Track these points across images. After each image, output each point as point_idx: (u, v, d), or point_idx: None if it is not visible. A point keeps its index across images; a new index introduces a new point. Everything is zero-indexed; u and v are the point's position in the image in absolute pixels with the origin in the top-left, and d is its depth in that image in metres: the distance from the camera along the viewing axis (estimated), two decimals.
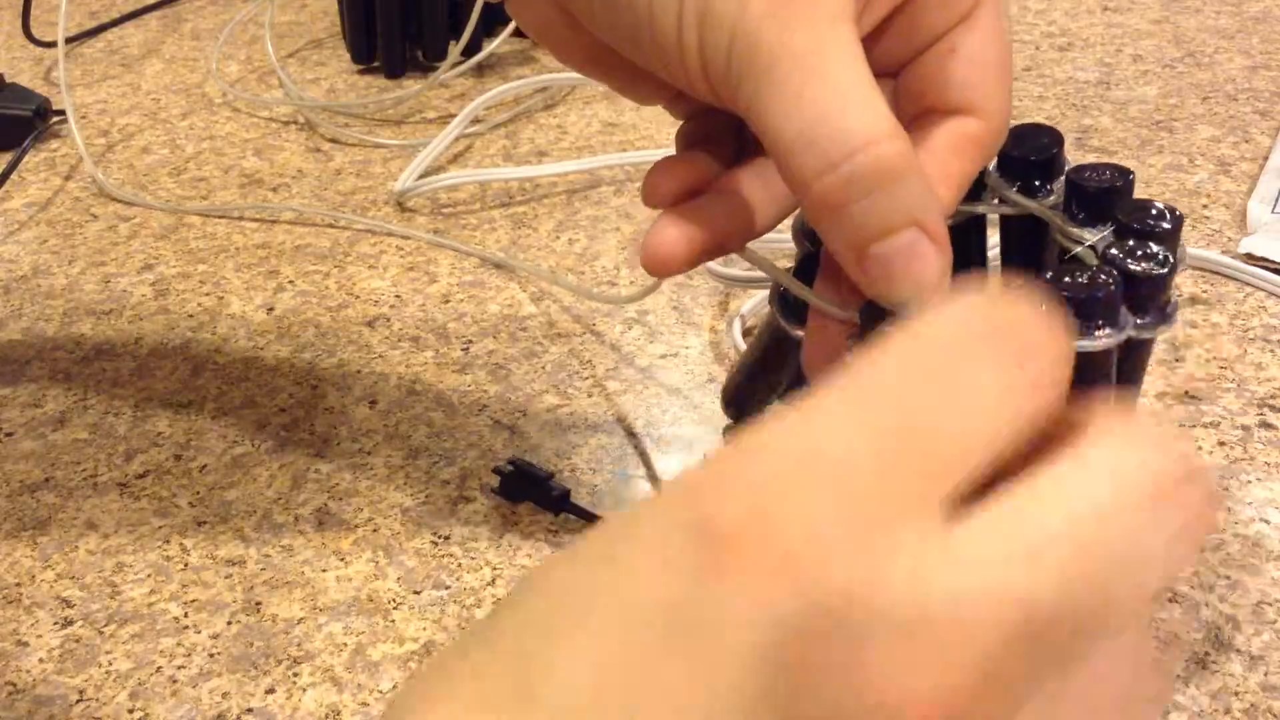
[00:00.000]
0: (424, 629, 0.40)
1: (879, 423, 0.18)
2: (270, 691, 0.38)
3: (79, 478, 0.47)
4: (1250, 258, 0.56)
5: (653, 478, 0.46)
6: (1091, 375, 0.30)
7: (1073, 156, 0.36)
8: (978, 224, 0.36)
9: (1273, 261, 0.56)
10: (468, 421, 0.49)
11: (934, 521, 0.17)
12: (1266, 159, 0.64)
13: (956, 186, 0.29)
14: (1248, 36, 0.79)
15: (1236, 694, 0.37)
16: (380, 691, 0.38)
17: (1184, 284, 0.55)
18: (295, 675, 0.39)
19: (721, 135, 0.31)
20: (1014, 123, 0.33)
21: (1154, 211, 0.32)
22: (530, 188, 0.66)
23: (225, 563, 0.43)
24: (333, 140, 0.72)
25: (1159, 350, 0.50)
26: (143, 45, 0.86)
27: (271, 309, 0.57)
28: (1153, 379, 0.49)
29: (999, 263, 0.37)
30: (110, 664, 0.39)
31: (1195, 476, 0.18)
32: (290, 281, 0.59)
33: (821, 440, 0.18)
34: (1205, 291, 0.55)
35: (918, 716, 0.16)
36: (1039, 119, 0.69)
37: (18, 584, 0.43)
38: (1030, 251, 0.35)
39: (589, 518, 0.44)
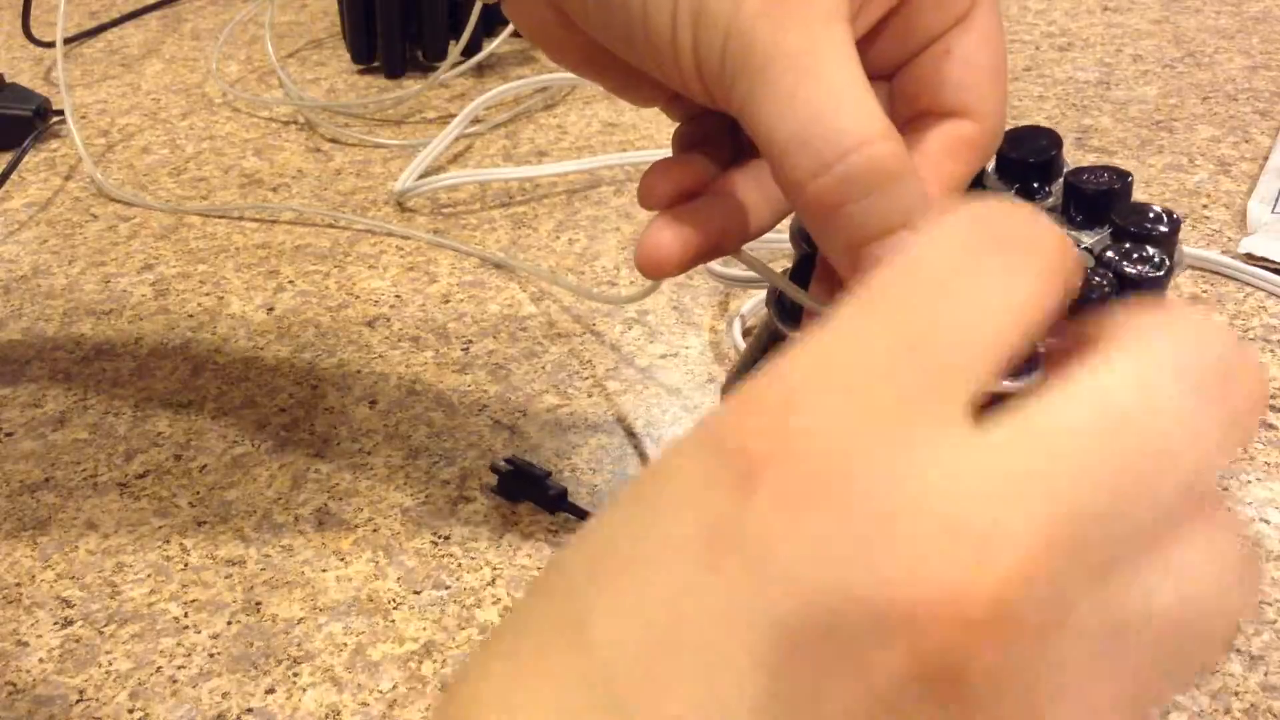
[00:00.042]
0: (424, 629, 0.40)
1: (889, 331, 0.18)
2: (270, 691, 0.38)
3: (79, 478, 0.47)
4: (1250, 258, 0.56)
5: None
6: None
7: (1073, 157, 0.36)
8: None
9: (1273, 261, 0.56)
10: (468, 421, 0.49)
11: (959, 424, 0.17)
12: (1266, 159, 0.64)
13: (951, 189, 0.29)
14: (1248, 36, 0.79)
15: (1236, 694, 0.37)
16: (380, 691, 0.38)
17: (1184, 284, 0.55)
18: (295, 675, 0.39)
19: (718, 137, 0.31)
20: (1013, 123, 0.33)
21: (1151, 215, 0.32)
22: (530, 188, 0.66)
23: (225, 563, 0.43)
24: (333, 140, 0.72)
25: None
26: (143, 45, 0.86)
27: (271, 309, 0.57)
28: None
29: None
30: (110, 664, 0.40)
31: (1236, 360, 0.18)
32: (290, 281, 0.59)
33: (835, 354, 0.18)
34: (1205, 292, 0.55)
35: (959, 617, 0.16)
36: (1039, 119, 0.69)
37: (18, 584, 0.43)
38: None
39: (586, 517, 0.44)
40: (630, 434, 0.48)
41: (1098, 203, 0.33)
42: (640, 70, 0.29)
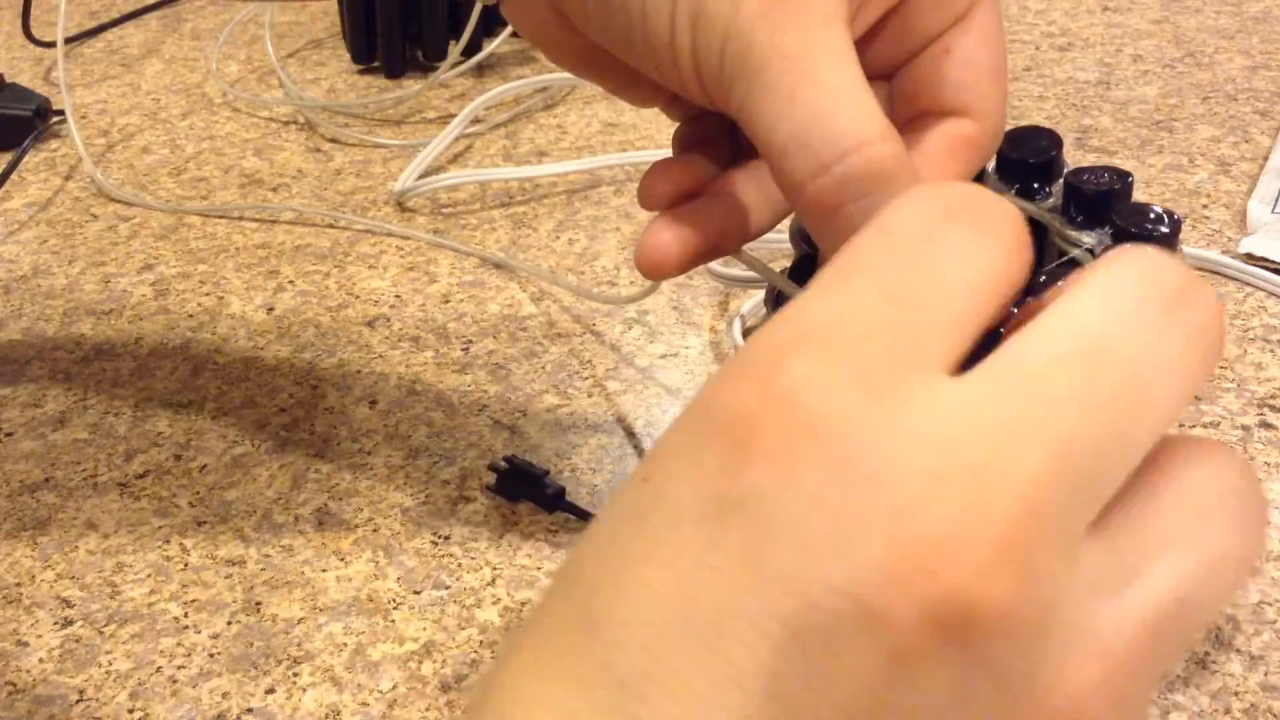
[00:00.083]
0: (424, 629, 0.40)
1: (869, 291, 0.18)
2: (270, 691, 0.38)
3: (79, 478, 0.47)
4: (1250, 258, 0.56)
5: None
6: None
7: (1073, 157, 0.36)
8: None
9: (1273, 261, 0.56)
10: (468, 421, 0.49)
11: (943, 375, 0.18)
12: (1266, 159, 0.64)
13: None
14: (1248, 36, 0.79)
15: (1236, 694, 0.37)
16: (380, 691, 0.38)
17: None
18: (295, 675, 0.39)
19: (717, 138, 0.31)
20: (1013, 123, 0.33)
21: (1152, 215, 0.32)
22: (530, 188, 0.66)
23: (225, 563, 0.43)
24: (333, 140, 0.72)
25: None
26: (143, 45, 0.86)
27: (271, 309, 0.57)
28: None
29: None
30: (110, 664, 0.40)
31: (1190, 281, 0.19)
32: (290, 281, 0.59)
33: (818, 317, 0.18)
34: None
35: (966, 557, 0.16)
36: (1039, 119, 0.69)
37: (18, 584, 0.43)
38: None
39: (584, 516, 0.44)
40: (630, 434, 0.48)
41: (1098, 203, 0.33)
42: (639, 71, 0.29)
